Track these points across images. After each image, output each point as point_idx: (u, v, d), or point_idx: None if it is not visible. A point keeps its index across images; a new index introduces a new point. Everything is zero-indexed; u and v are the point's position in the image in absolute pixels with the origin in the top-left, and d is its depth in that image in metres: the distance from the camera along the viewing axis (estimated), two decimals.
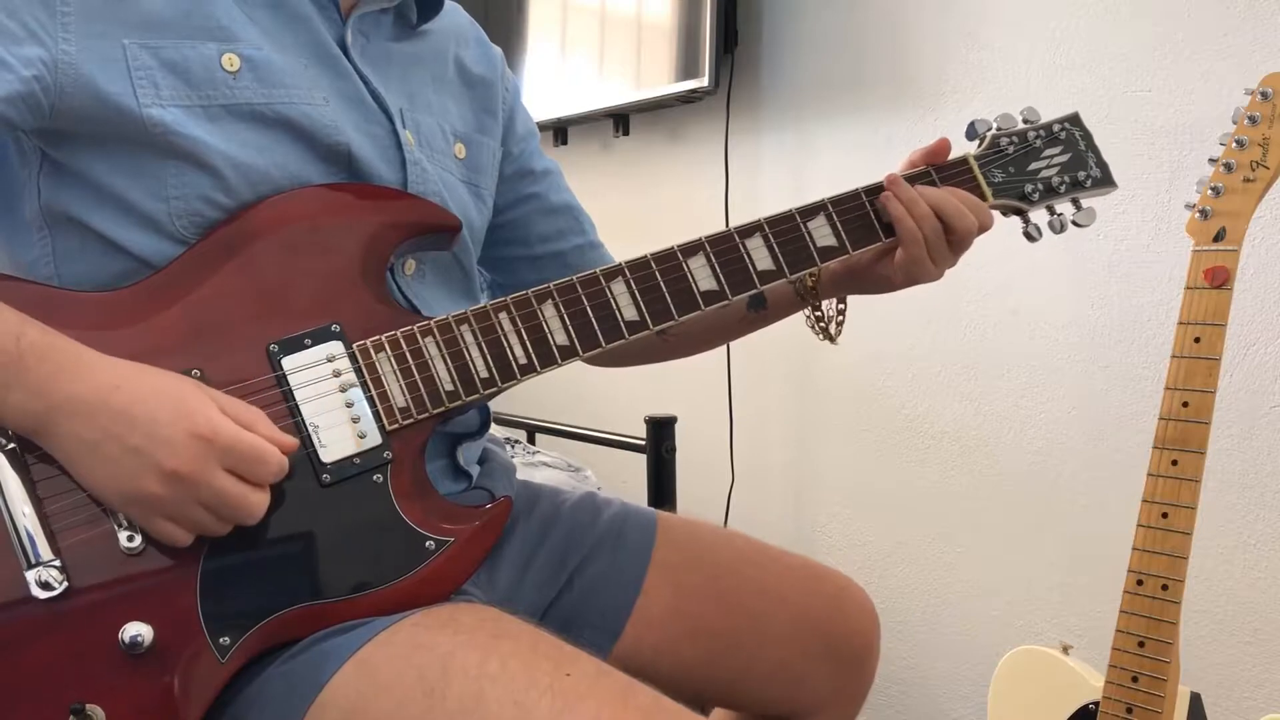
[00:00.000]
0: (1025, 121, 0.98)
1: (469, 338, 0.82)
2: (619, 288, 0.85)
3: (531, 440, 2.12)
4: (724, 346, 1.64)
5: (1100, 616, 1.56)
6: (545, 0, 2.29)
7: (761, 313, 1.03)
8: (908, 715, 1.87)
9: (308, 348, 0.78)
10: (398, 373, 0.80)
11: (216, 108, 0.79)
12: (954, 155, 0.96)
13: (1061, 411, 1.61)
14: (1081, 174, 0.97)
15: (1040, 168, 0.97)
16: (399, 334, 0.80)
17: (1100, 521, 1.56)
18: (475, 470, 0.96)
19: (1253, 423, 1.41)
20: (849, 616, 1.03)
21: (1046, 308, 1.62)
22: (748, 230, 0.89)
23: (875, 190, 0.92)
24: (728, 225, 0.89)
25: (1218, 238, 1.05)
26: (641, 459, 1.76)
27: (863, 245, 0.92)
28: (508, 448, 1.47)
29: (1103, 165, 0.99)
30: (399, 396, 0.79)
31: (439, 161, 0.93)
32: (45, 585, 0.68)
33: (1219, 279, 1.05)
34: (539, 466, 1.89)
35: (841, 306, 1.01)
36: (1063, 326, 1.60)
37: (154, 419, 0.68)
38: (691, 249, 0.87)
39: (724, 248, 0.88)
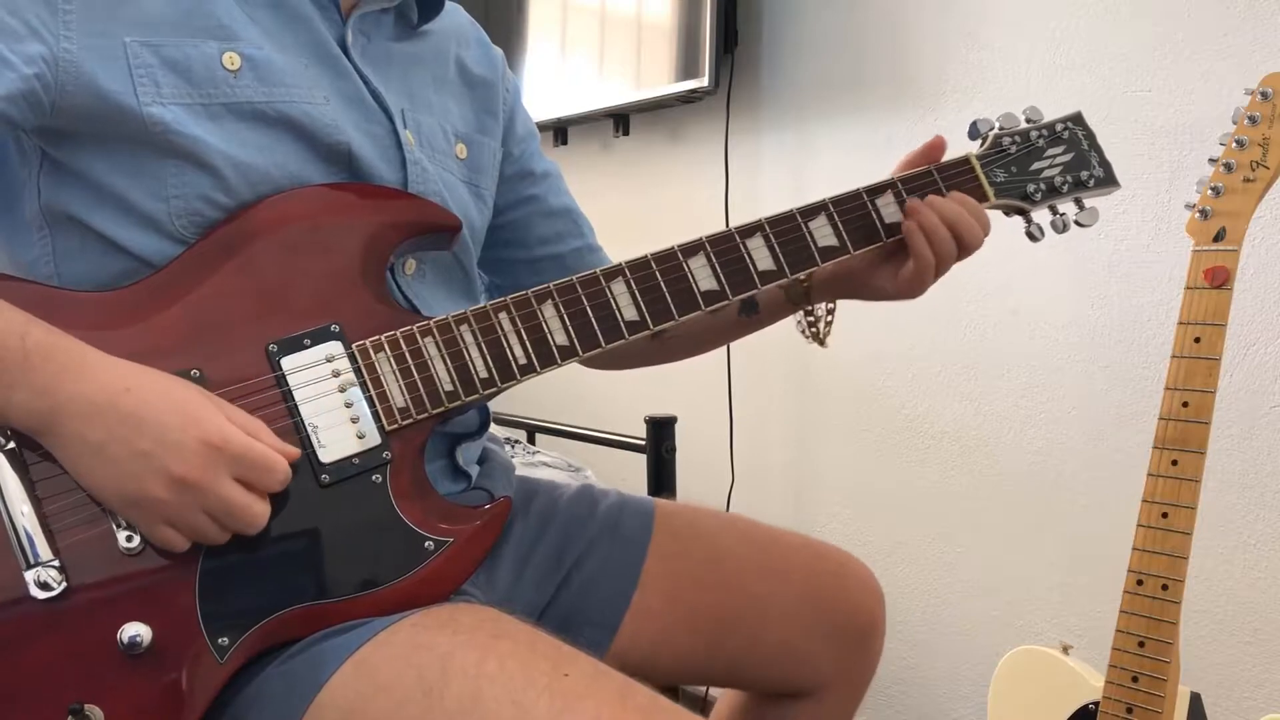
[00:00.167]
0: (1028, 121, 0.98)
1: (468, 338, 0.82)
2: (619, 288, 0.85)
3: (531, 440, 2.12)
4: (724, 346, 1.63)
5: (1100, 616, 1.56)
6: (545, 0, 2.29)
7: (754, 317, 1.03)
8: (908, 715, 1.87)
9: (307, 348, 0.78)
10: (397, 373, 0.79)
11: (217, 106, 0.79)
12: (956, 155, 0.96)
13: (1061, 411, 1.61)
14: (1084, 173, 0.97)
15: (1043, 167, 0.96)
16: (398, 334, 0.80)
17: (1100, 521, 1.56)
18: (474, 470, 0.96)
19: (1253, 423, 1.41)
20: (852, 593, 1.02)
21: (1046, 308, 1.62)
22: (749, 230, 0.89)
23: (877, 190, 0.92)
24: (728, 225, 0.89)
25: (1218, 238, 1.05)
26: (641, 459, 1.76)
27: (864, 246, 0.91)
28: (508, 448, 1.47)
29: (1106, 165, 0.98)
30: (398, 396, 0.79)
31: (439, 161, 0.93)
32: (44, 585, 0.68)
33: (1219, 279, 1.05)
34: (539, 466, 1.89)
35: (831, 309, 1.00)
36: (1063, 326, 1.60)
37: (163, 423, 0.68)
38: (692, 249, 0.87)
39: (725, 248, 0.88)
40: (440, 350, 0.81)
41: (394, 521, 0.77)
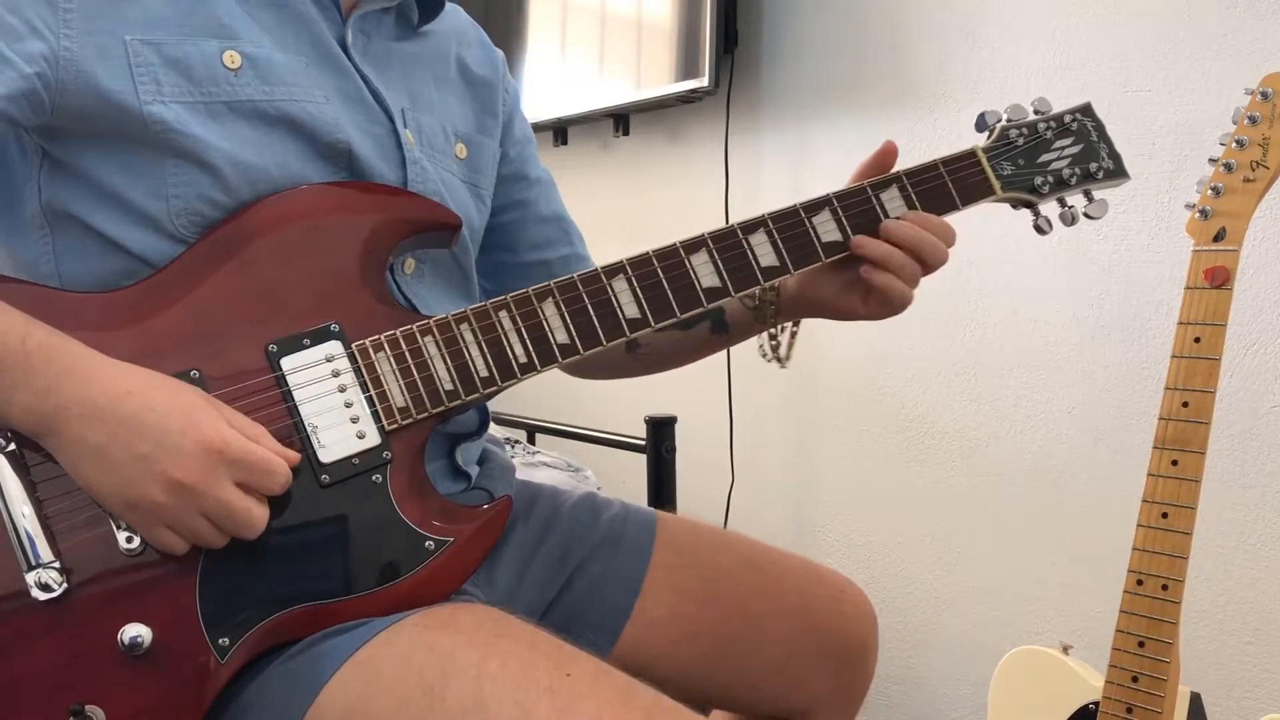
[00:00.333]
0: (1036, 113, 0.96)
1: (469, 337, 0.82)
2: (620, 285, 0.85)
3: (531, 440, 2.12)
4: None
5: (1100, 616, 1.55)
6: (545, 0, 2.29)
7: (724, 335, 1.03)
8: (908, 715, 1.87)
9: (306, 347, 0.78)
10: (397, 372, 0.79)
11: (218, 104, 0.79)
12: (963, 148, 0.95)
13: (1061, 411, 1.61)
14: (1093, 165, 0.95)
15: (1051, 159, 0.95)
16: (398, 333, 0.80)
17: (1100, 521, 1.56)
18: (474, 470, 0.96)
19: (1253, 423, 1.41)
20: (847, 618, 1.02)
21: (1046, 308, 1.62)
22: (751, 226, 0.88)
23: (881, 185, 0.91)
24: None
25: (1218, 238, 1.05)
26: (641, 459, 1.76)
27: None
28: (508, 448, 1.47)
29: (1115, 156, 0.97)
30: (398, 396, 0.79)
31: (439, 161, 0.93)
32: (45, 587, 0.68)
33: (1219, 279, 1.05)
34: (539, 466, 1.89)
35: (795, 330, 1.00)
36: (1063, 326, 1.60)
37: (164, 427, 0.68)
38: (694, 245, 0.87)
39: (727, 244, 0.87)
40: (440, 349, 0.81)
41: (394, 521, 0.77)
